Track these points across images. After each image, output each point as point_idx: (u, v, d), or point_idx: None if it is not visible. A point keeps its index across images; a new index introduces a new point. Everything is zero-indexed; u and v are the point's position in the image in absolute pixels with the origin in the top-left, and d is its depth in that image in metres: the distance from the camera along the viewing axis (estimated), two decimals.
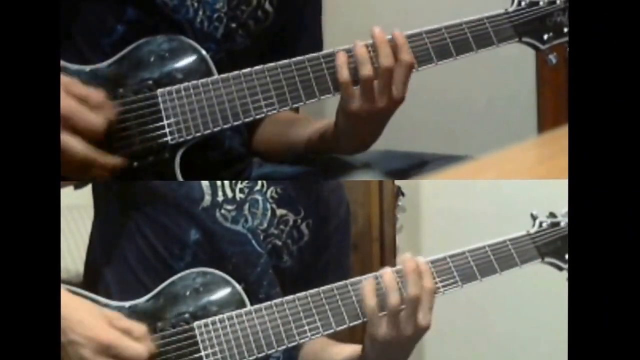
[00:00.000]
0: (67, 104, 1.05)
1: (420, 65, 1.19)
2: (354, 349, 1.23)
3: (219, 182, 1.20)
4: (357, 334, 1.27)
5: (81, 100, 1.07)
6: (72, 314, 1.03)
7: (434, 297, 1.15)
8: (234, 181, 1.22)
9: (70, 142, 1.05)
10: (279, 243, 1.23)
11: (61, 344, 1.03)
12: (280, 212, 1.23)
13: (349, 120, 1.18)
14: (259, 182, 1.23)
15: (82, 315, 1.05)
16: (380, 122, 1.20)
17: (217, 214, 1.20)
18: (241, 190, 1.22)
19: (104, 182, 1.20)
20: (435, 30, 1.20)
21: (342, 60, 1.15)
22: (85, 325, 1.04)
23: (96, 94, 1.09)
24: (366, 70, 1.14)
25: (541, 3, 1.24)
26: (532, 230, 1.27)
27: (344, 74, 1.15)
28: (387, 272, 1.15)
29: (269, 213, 1.23)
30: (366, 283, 1.15)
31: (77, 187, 1.22)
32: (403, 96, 1.16)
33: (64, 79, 1.06)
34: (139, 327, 1.08)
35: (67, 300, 1.04)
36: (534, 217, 1.28)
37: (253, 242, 1.21)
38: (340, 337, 1.25)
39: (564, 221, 1.28)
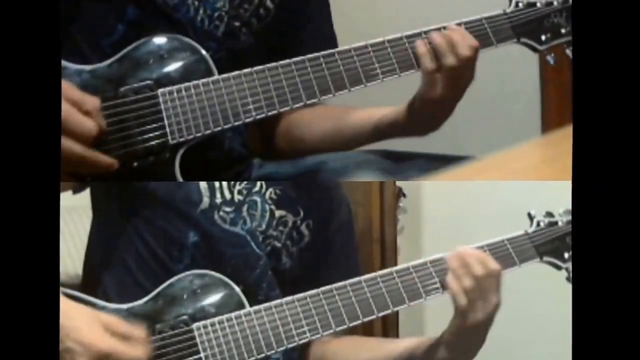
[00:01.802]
0: (62, 108, 1.06)
1: None
2: (418, 341, 1.24)
3: (217, 184, 1.20)
4: (356, 335, 1.26)
5: (75, 104, 1.08)
6: (69, 321, 1.03)
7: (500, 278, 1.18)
8: (232, 183, 1.21)
9: (65, 143, 1.06)
10: (279, 245, 1.23)
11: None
12: (279, 213, 1.23)
13: (428, 106, 1.21)
14: (258, 183, 1.23)
15: (79, 322, 1.04)
16: (455, 103, 1.23)
17: (216, 216, 1.19)
18: (239, 192, 1.21)
19: (101, 184, 1.20)
20: (435, 31, 1.20)
21: (424, 50, 1.18)
22: (82, 332, 1.03)
23: (91, 100, 1.10)
24: (450, 60, 1.17)
25: (538, 4, 1.25)
26: (530, 230, 1.28)
27: (429, 63, 1.17)
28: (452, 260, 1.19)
29: (267, 214, 1.22)
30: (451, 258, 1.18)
31: (75, 191, 1.22)
32: (473, 77, 1.20)
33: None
34: (139, 331, 1.07)
35: (65, 307, 1.03)
36: (531, 217, 1.29)
37: (252, 244, 1.21)
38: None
39: (561, 220, 1.28)
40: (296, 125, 1.35)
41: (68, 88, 1.08)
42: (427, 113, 1.23)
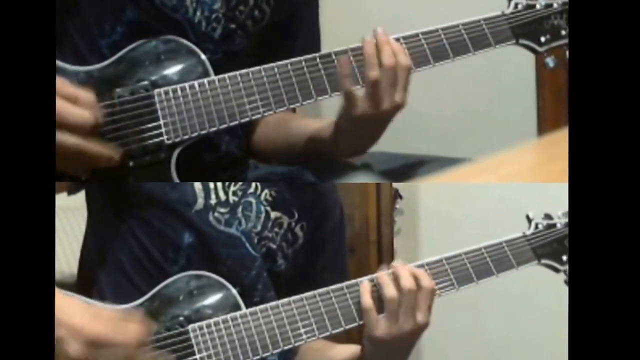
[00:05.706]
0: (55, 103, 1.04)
1: (417, 66, 1.20)
2: (353, 350, 1.23)
3: (211, 185, 1.20)
4: (354, 336, 1.26)
5: (70, 99, 1.06)
6: (60, 310, 1.02)
7: (432, 296, 1.16)
8: (227, 184, 1.21)
9: (61, 136, 1.04)
10: (274, 246, 1.23)
11: None
12: (274, 214, 1.23)
13: (352, 124, 1.19)
14: (253, 185, 1.23)
15: (70, 310, 1.03)
16: (381, 126, 1.20)
17: (211, 217, 1.19)
18: (234, 193, 1.21)
19: (96, 185, 1.20)
20: (432, 32, 1.21)
21: (347, 69, 1.16)
22: (72, 319, 1.02)
23: (85, 94, 1.08)
24: (374, 72, 1.15)
25: (538, 6, 1.25)
26: (528, 232, 1.28)
27: (348, 84, 1.16)
28: (381, 273, 1.17)
29: (263, 216, 1.22)
30: (362, 285, 1.16)
31: (70, 192, 1.22)
32: (405, 100, 1.17)
33: None
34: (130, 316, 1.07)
35: (57, 300, 1.03)
36: (529, 219, 1.28)
37: (247, 245, 1.20)
38: (337, 339, 1.25)
39: (560, 223, 1.28)
40: (259, 127, 1.36)
41: (61, 84, 1.07)
42: (353, 133, 1.21)
